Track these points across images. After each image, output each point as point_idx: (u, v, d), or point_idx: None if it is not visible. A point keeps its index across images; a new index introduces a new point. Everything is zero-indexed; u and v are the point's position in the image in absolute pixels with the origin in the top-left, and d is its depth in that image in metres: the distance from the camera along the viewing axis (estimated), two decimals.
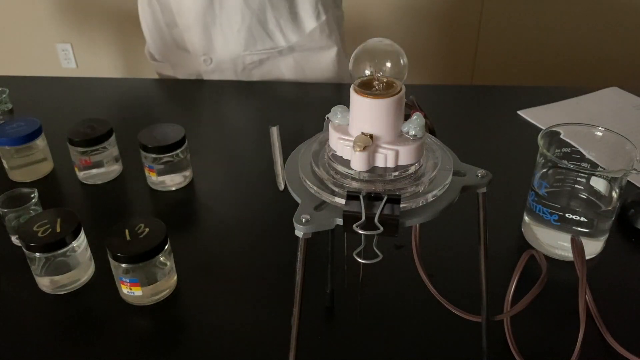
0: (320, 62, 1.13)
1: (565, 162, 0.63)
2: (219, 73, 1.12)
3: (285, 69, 1.12)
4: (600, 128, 0.66)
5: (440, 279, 0.59)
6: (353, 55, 0.39)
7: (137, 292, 0.60)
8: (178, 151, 0.78)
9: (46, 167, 0.85)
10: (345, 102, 0.40)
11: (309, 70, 1.13)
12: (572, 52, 2.31)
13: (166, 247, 0.61)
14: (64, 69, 2.67)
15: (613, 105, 1.00)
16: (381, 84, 0.38)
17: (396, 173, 0.39)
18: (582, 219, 0.63)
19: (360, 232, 0.36)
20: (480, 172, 0.41)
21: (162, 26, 1.11)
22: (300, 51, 1.10)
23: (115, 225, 0.61)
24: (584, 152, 0.68)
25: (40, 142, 0.82)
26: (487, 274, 0.47)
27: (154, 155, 0.77)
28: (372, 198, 0.37)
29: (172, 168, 0.79)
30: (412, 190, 0.38)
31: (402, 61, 0.38)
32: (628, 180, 0.76)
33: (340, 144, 0.39)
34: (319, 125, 0.45)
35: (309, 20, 1.07)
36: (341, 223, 0.37)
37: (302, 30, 1.08)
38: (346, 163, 0.39)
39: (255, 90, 1.10)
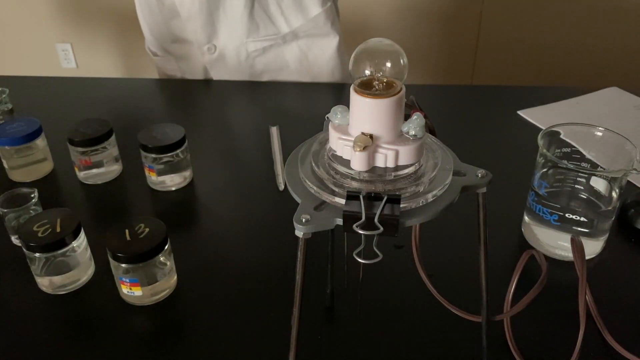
0: (324, 51, 1.12)
1: (565, 162, 0.63)
2: (223, 62, 1.11)
3: (289, 57, 1.12)
4: (600, 128, 0.66)
5: (440, 279, 0.59)
6: (353, 55, 0.39)
7: (137, 292, 0.60)
8: (178, 151, 0.78)
9: (46, 167, 0.85)
10: (345, 102, 0.40)
11: (313, 58, 1.12)
12: (572, 52, 2.31)
13: (166, 247, 0.61)
14: (64, 69, 2.67)
15: (613, 105, 1.00)
16: (381, 84, 0.38)
17: (396, 173, 0.39)
18: (582, 219, 0.63)
19: (360, 232, 0.36)
20: (480, 172, 0.41)
21: (159, 20, 1.10)
22: (304, 37, 1.10)
23: (115, 225, 0.61)
24: (584, 152, 0.68)
25: (40, 142, 0.82)
26: (487, 274, 0.47)
27: (154, 155, 0.77)
28: (372, 198, 0.37)
29: (172, 168, 0.79)
30: (412, 190, 0.38)
31: (402, 61, 0.38)
32: (628, 180, 0.76)
33: (340, 144, 0.39)
34: (319, 125, 0.45)
35: (314, 6, 1.07)
36: (341, 223, 0.37)
37: (305, 15, 1.08)
38: (346, 163, 0.39)
39: (256, 90, 1.10)
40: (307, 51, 1.11)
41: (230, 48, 1.09)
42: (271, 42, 1.09)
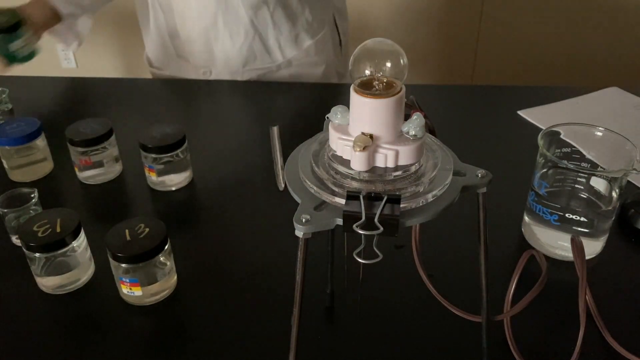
0: (312, 78, 1.17)
1: (565, 162, 0.63)
2: None
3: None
4: (600, 128, 0.66)
5: (440, 279, 0.59)
6: (353, 55, 0.39)
7: (137, 292, 0.60)
8: (178, 151, 0.78)
9: (46, 167, 0.85)
10: (345, 102, 0.40)
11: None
12: (572, 52, 2.30)
13: (166, 247, 0.61)
14: (64, 69, 2.67)
15: (613, 105, 1.00)
16: (381, 84, 0.38)
17: (396, 173, 0.39)
18: (582, 219, 0.63)
19: (360, 232, 0.36)
20: (480, 172, 0.41)
21: (165, 35, 1.11)
22: (296, 66, 1.14)
23: (115, 225, 0.61)
24: (584, 152, 0.68)
25: (40, 142, 0.82)
26: (487, 274, 0.47)
27: (154, 155, 0.77)
28: (372, 198, 0.37)
29: (172, 168, 0.79)
30: (412, 190, 0.38)
31: (402, 61, 0.38)
32: (628, 180, 0.76)
33: (340, 144, 0.39)
34: (319, 125, 0.45)
35: (306, 38, 1.12)
36: (341, 223, 0.37)
37: (299, 46, 1.12)
38: (346, 163, 0.39)
39: (256, 90, 1.10)
40: (296, 77, 1.15)
41: (225, 74, 1.12)
42: (266, 70, 1.12)
